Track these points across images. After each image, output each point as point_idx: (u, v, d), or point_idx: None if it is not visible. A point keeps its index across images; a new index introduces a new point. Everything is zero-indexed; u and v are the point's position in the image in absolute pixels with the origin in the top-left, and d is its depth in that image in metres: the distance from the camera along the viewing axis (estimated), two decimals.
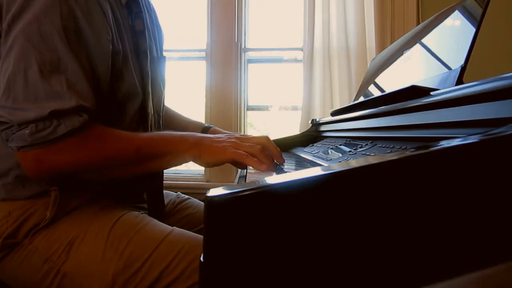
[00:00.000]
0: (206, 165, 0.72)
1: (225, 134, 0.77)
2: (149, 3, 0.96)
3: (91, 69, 0.69)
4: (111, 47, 0.73)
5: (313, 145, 1.13)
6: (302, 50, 1.76)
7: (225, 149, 0.69)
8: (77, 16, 0.66)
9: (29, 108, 0.61)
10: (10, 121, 0.62)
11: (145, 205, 0.87)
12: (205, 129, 1.06)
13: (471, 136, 0.32)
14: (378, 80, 1.08)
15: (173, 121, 1.08)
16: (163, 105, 0.96)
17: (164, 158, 0.71)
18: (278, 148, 0.74)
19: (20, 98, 0.62)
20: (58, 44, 0.64)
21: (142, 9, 0.85)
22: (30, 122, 0.61)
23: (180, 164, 0.76)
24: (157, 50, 0.94)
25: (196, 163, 0.72)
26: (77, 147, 0.65)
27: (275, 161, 0.74)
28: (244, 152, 0.68)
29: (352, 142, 0.82)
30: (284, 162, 0.74)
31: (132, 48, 0.80)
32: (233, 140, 0.71)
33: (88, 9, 0.68)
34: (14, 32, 0.64)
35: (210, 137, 0.73)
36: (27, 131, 0.61)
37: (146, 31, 0.84)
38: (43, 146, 0.62)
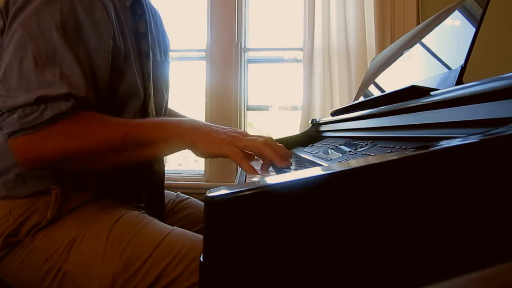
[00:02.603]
0: (201, 154, 0.68)
1: (227, 129, 0.74)
2: (154, 9, 0.97)
3: (90, 64, 0.69)
4: (111, 43, 0.73)
5: (313, 145, 1.13)
6: (302, 50, 1.76)
7: (223, 141, 0.65)
8: (78, 11, 0.67)
9: (20, 96, 0.62)
10: (2, 108, 0.63)
11: (146, 205, 0.87)
12: None
13: (471, 136, 0.32)
14: (378, 80, 1.08)
15: None
16: (165, 109, 0.96)
17: (156, 144, 0.68)
18: (280, 149, 0.69)
19: (13, 87, 0.63)
20: (55, 36, 0.65)
21: (146, 12, 0.86)
22: (18, 107, 0.62)
23: (175, 151, 0.72)
24: (161, 54, 0.94)
25: (191, 151, 0.68)
26: (65, 132, 0.64)
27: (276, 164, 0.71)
28: (241, 152, 0.64)
29: (352, 142, 0.82)
30: (287, 162, 0.70)
31: (135, 49, 0.81)
32: (235, 134, 0.68)
33: (90, 5, 0.69)
34: (15, 24, 0.65)
35: (211, 126, 0.69)
36: (15, 116, 0.62)
37: (149, 34, 0.85)
38: (31, 132, 0.62)
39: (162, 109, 0.93)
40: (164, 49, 0.98)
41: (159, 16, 1.00)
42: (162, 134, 0.68)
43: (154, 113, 0.86)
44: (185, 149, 0.69)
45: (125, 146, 0.66)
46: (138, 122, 0.71)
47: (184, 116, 1.12)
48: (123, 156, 0.68)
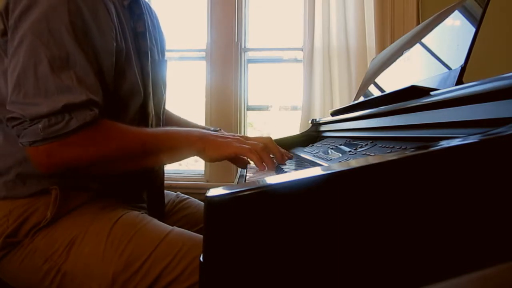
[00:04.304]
0: (210, 159, 0.73)
1: (229, 134, 0.79)
2: (151, 8, 0.98)
3: (98, 65, 0.70)
4: (114, 44, 0.74)
5: (313, 145, 1.13)
6: (302, 50, 1.76)
7: (228, 143, 0.70)
8: (84, 13, 0.67)
9: (41, 103, 0.62)
10: (22, 117, 0.62)
11: (145, 205, 0.87)
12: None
13: (471, 136, 0.32)
14: (378, 80, 1.08)
15: (178, 125, 1.08)
16: (164, 107, 0.96)
17: (169, 152, 0.72)
18: (280, 149, 0.75)
19: (31, 93, 0.63)
20: (67, 39, 0.65)
21: (144, 12, 0.86)
22: (43, 116, 0.62)
23: (185, 158, 0.77)
24: (158, 53, 0.95)
25: (200, 157, 0.73)
26: (87, 141, 0.66)
27: (276, 162, 0.74)
28: (248, 147, 0.69)
29: (352, 142, 0.82)
30: (286, 160, 0.76)
31: (134, 48, 0.81)
32: (237, 137, 0.73)
33: (94, 7, 0.70)
34: (22, 29, 0.64)
35: (214, 133, 0.75)
36: (40, 126, 0.62)
37: (147, 33, 0.85)
38: (55, 141, 0.63)
39: (161, 108, 0.93)
40: (161, 48, 0.98)
41: (156, 15, 1.00)
42: (175, 143, 0.73)
43: (153, 112, 0.86)
44: (194, 155, 0.74)
45: (142, 154, 0.70)
46: (154, 131, 0.76)
47: (181, 118, 1.13)
48: (138, 163, 0.72)
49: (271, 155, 0.74)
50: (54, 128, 0.62)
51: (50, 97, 0.62)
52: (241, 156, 0.72)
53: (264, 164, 0.70)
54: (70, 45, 0.65)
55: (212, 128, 1.10)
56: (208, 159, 0.73)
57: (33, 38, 0.63)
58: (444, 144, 0.31)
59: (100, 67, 0.70)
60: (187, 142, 0.72)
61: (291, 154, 0.77)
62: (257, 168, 0.71)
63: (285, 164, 0.76)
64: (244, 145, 0.70)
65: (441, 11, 0.80)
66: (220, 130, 1.10)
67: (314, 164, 0.80)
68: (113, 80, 0.75)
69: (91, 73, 0.67)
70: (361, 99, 1.14)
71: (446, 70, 0.65)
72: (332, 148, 0.88)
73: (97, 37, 0.69)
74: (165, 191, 0.96)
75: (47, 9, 0.64)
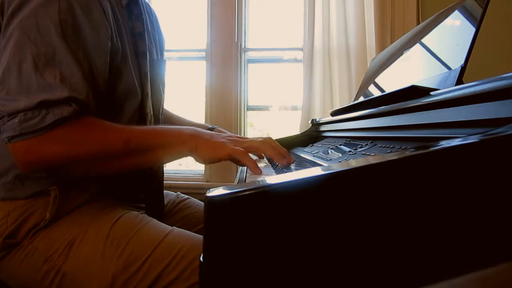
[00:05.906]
0: (202, 160, 0.68)
1: (226, 134, 0.75)
2: (150, 8, 0.97)
3: (89, 65, 0.68)
4: (109, 44, 0.73)
5: (313, 145, 1.13)
6: (302, 50, 1.77)
7: (223, 145, 0.66)
8: (76, 11, 0.66)
9: (20, 99, 0.62)
10: (1, 112, 0.63)
11: (145, 205, 0.87)
12: (210, 130, 1.06)
13: (471, 136, 0.32)
14: (378, 80, 1.08)
15: (175, 123, 1.08)
16: (162, 107, 0.96)
17: (158, 151, 0.68)
18: (282, 148, 0.72)
19: (13, 90, 0.62)
20: (54, 38, 0.64)
21: (142, 12, 0.86)
22: (20, 111, 0.61)
23: (176, 158, 0.72)
24: (157, 53, 0.94)
25: (193, 157, 0.69)
26: (66, 137, 0.64)
27: (276, 162, 0.72)
28: (242, 149, 0.65)
29: (352, 142, 0.82)
30: (288, 163, 0.72)
31: (131, 48, 0.81)
32: (234, 138, 0.70)
33: (88, 5, 0.69)
34: (12, 26, 0.64)
35: (209, 133, 0.71)
36: (16, 120, 0.61)
37: (146, 33, 0.85)
38: (32, 136, 0.62)
39: (159, 108, 0.93)
40: (160, 48, 0.98)
41: (155, 15, 1.00)
42: (164, 140, 0.68)
43: (152, 112, 0.86)
44: (186, 156, 0.69)
45: (126, 152, 0.67)
46: (140, 128, 0.71)
47: (179, 117, 1.13)
48: (124, 162, 0.68)
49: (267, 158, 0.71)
50: (30, 123, 0.61)
51: (30, 94, 0.62)
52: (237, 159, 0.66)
53: (259, 170, 0.65)
54: (57, 43, 0.64)
55: (210, 126, 1.10)
56: (201, 160, 0.68)
57: (20, 35, 0.63)
58: (444, 144, 0.31)
59: (92, 67, 0.69)
60: (177, 140, 0.68)
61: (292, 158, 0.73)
62: (253, 172, 0.66)
63: (289, 168, 0.73)
64: (238, 148, 0.65)
65: (441, 11, 0.80)
66: (216, 127, 1.09)
67: (314, 164, 0.80)
68: (108, 80, 0.74)
69: (77, 72, 0.65)
70: (361, 99, 1.14)
71: (446, 70, 0.65)
72: (332, 148, 0.87)
73: (89, 36, 0.68)
74: (165, 191, 0.96)
75: (37, 7, 0.64)
